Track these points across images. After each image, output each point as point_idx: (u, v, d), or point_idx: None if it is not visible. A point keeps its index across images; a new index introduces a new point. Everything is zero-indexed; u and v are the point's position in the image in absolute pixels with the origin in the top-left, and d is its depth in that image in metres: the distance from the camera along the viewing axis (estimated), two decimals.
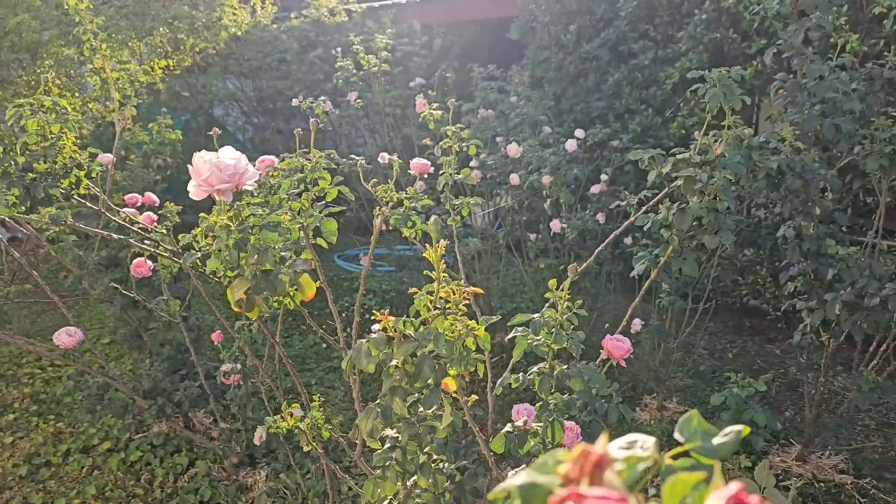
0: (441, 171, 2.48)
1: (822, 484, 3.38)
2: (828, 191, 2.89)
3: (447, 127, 2.45)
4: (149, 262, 3.11)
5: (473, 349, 1.14)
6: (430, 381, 1.29)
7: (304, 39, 8.12)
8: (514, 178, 3.84)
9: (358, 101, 5.21)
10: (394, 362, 1.34)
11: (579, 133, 4.11)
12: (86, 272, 3.42)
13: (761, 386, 2.89)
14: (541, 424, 1.74)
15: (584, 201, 4.46)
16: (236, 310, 1.41)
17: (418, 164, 2.19)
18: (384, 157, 2.87)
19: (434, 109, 3.11)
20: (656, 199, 2.14)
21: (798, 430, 3.86)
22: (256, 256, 1.28)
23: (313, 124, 1.71)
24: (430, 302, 1.17)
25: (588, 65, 5.89)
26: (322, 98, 4.77)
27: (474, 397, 1.37)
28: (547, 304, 2.15)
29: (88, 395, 3.17)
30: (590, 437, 1.84)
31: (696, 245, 2.36)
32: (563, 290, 1.57)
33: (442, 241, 1.14)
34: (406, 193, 2.25)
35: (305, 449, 1.66)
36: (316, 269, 1.66)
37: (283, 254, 1.32)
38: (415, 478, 1.59)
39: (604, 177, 4.13)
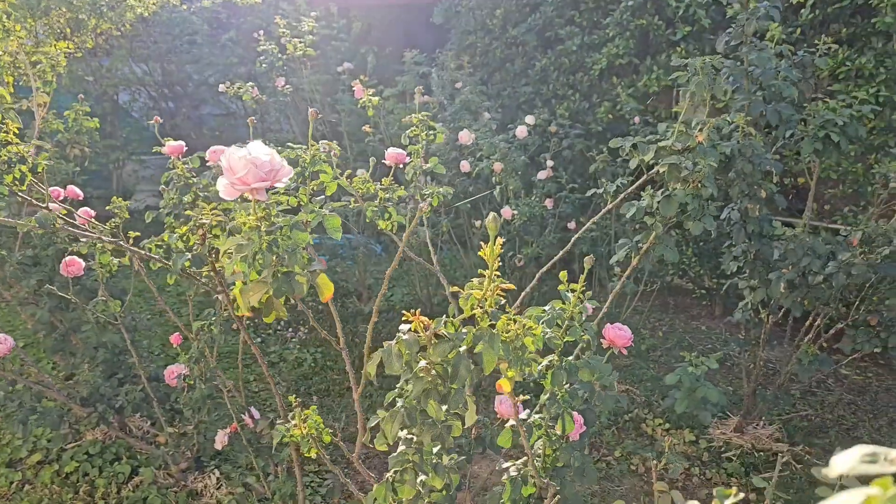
0: (408, 161, 2.42)
1: (761, 453, 3.56)
2: (772, 174, 3.01)
3: (414, 115, 2.38)
4: (80, 261, 2.91)
5: (532, 349, 1.11)
6: (466, 382, 1.25)
7: (215, 21, 7.80)
8: (465, 165, 3.81)
9: (287, 87, 5.04)
10: (422, 363, 1.29)
11: (530, 119, 4.12)
12: (8, 273, 3.16)
13: (713, 364, 2.99)
14: (542, 416, 1.73)
15: (527, 187, 4.48)
16: (246, 314, 1.32)
17: (394, 154, 2.13)
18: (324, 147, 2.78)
19: (371, 96, 3.02)
20: (633, 186, 2.17)
21: (733, 403, 4.04)
22: (275, 258, 1.20)
23: (312, 114, 1.62)
24: (477, 301, 1.13)
25: (515, 50, 5.91)
26: (250, 84, 4.60)
27: (523, 397, 1.33)
28: (522, 297, 2.13)
29: (21, 406, 2.93)
30: (585, 426, 1.85)
31: (636, 228, 2.41)
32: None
33: (500, 239, 1.10)
34: (381, 184, 2.19)
35: (311, 455, 1.59)
36: None
37: (308, 255, 1.25)
38: (424, 478, 1.55)
39: (550, 163, 4.16)
